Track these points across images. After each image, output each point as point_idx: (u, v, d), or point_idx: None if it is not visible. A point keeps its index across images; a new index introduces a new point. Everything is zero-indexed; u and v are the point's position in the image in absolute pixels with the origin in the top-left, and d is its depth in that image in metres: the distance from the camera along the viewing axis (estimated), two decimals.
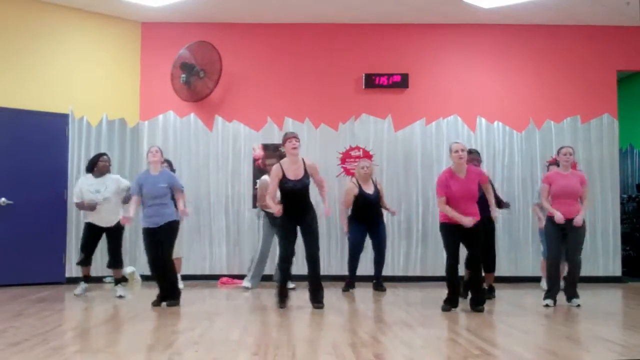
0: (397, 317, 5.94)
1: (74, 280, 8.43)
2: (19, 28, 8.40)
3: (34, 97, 8.43)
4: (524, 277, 8.99)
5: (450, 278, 6.34)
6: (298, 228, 6.49)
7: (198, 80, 9.03)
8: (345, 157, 9.32)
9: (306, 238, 6.45)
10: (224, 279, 8.90)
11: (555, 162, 8.70)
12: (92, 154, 8.75)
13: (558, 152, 6.89)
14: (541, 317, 6.19)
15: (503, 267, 9.22)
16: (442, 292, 7.77)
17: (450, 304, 6.32)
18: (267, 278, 8.24)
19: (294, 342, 4.69)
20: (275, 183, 6.35)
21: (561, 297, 6.74)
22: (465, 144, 9.18)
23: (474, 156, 7.17)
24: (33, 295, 7.33)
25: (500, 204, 7.24)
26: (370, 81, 9.33)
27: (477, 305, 6.28)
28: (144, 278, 8.53)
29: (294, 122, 9.38)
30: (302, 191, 6.35)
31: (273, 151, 9.12)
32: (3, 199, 8.14)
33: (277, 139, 9.28)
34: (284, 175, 6.31)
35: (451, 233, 6.27)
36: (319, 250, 6.51)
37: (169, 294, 6.61)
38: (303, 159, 6.46)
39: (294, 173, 6.33)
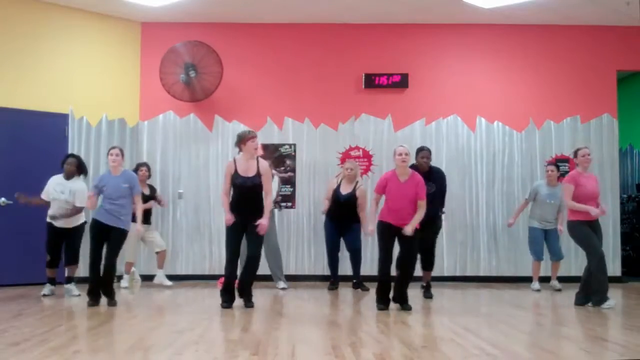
0: (397, 317, 5.94)
1: (73, 280, 8.42)
2: (20, 28, 8.40)
3: (34, 97, 8.43)
4: (523, 277, 8.98)
5: (382, 277, 6.32)
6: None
7: (190, 79, 8.96)
8: (345, 157, 9.31)
9: (249, 238, 6.32)
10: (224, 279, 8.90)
11: (554, 162, 8.73)
12: (91, 154, 8.83)
13: (575, 154, 6.84)
14: (541, 317, 6.20)
15: (503, 267, 9.26)
16: (441, 291, 7.80)
17: (383, 302, 6.33)
18: (267, 278, 8.23)
19: (294, 342, 4.69)
20: (227, 179, 6.32)
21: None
22: (465, 144, 9.31)
23: (424, 153, 7.25)
24: (33, 295, 7.32)
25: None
26: (370, 81, 9.33)
27: (404, 304, 6.29)
28: (144, 278, 8.52)
29: (294, 122, 9.38)
30: (250, 189, 6.26)
31: (273, 151, 9.13)
32: (3, 199, 8.14)
33: (277, 139, 9.31)
34: (235, 170, 6.28)
35: (386, 231, 6.28)
36: (259, 253, 6.39)
37: (105, 293, 6.59)
38: (259, 160, 6.40)
39: (244, 170, 6.28)
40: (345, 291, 8.05)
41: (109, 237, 6.56)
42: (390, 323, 5.61)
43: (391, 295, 6.38)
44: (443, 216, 7.58)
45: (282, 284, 8.12)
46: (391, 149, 9.20)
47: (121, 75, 9.22)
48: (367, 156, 9.30)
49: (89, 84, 8.94)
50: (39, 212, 8.29)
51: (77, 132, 8.82)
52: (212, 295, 7.75)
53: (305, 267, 9.19)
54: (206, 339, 4.82)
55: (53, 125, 8.57)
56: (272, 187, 6.47)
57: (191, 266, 9.20)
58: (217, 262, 9.23)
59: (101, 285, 6.58)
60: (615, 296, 7.60)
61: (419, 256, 6.86)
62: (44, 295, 7.26)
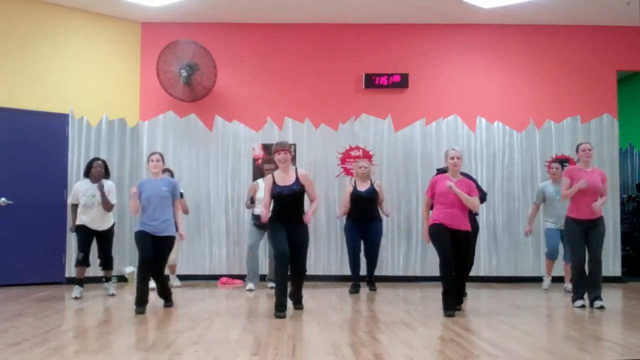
0: (397, 317, 5.94)
1: (73, 281, 8.41)
2: (19, 28, 8.40)
3: (34, 97, 8.43)
4: (523, 277, 9.00)
5: (446, 282, 6.20)
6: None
7: (185, 78, 8.93)
8: (345, 157, 9.33)
9: (293, 250, 6.20)
10: (224, 279, 8.91)
11: (558, 160, 8.72)
12: (92, 154, 8.78)
13: (577, 150, 6.81)
14: (541, 317, 6.20)
15: (503, 267, 9.25)
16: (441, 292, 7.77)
17: (451, 309, 6.13)
18: (262, 277, 8.23)
19: (294, 342, 4.69)
20: (267, 193, 6.27)
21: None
22: (465, 144, 9.30)
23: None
24: (33, 295, 7.33)
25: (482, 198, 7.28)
26: (370, 81, 9.33)
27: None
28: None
29: (294, 122, 9.38)
30: (290, 198, 6.18)
31: (273, 152, 9.11)
32: (3, 199, 8.14)
33: (277, 139, 9.27)
34: (274, 182, 6.26)
35: (441, 232, 6.18)
36: (305, 265, 6.35)
37: (162, 296, 6.57)
38: (296, 169, 6.38)
39: (282, 180, 6.24)
40: (346, 291, 8.04)
41: (156, 245, 6.36)
42: (390, 323, 5.61)
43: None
44: (478, 218, 7.52)
45: (250, 285, 8.18)
46: (391, 149, 9.35)
47: (121, 75, 9.22)
48: (367, 156, 9.28)
49: (89, 84, 8.94)
50: (38, 212, 8.32)
51: (77, 132, 8.82)
52: (212, 295, 7.76)
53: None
54: (206, 339, 4.82)
55: (53, 125, 8.58)
56: (316, 194, 6.43)
57: (191, 266, 9.20)
58: (217, 262, 9.24)
59: (159, 291, 6.57)
60: (615, 296, 7.62)
61: None
62: (75, 298, 7.14)
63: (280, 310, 5.94)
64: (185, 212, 8.23)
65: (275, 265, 6.28)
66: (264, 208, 6.32)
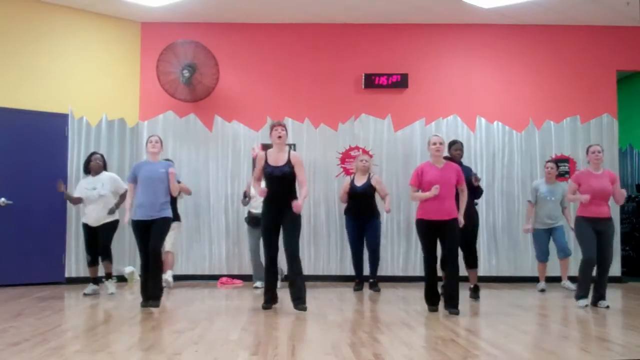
0: (397, 317, 5.94)
1: (73, 280, 8.47)
2: (19, 28, 8.40)
3: (34, 97, 8.43)
4: (523, 277, 9.00)
5: (428, 278, 6.25)
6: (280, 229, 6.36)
7: (186, 79, 8.93)
8: (345, 157, 9.33)
9: (285, 232, 6.27)
10: (224, 279, 8.91)
11: (553, 160, 8.72)
12: None
13: (587, 152, 6.78)
14: (541, 317, 6.20)
15: (503, 267, 9.25)
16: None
17: (432, 303, 6.27)
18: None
19: (294, 342, 4.69)
20: (258, 168, 6.41)
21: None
22: (465, 144, 9.27)
23: (458, 146, 7.28)
24: (33, 295, 7.33)
25: (476, 193, 7.28)
26: (370, 81, 9.33)
27: (451, 308, 6.10)
28: None
29: (294, 122, 9.38)
30: (280, 179, 6.22)
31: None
32: (3, 199, 8.14)
33: None
34: (266, 161, 6.33)
35: (426, 229, 6.17)
36: (298, 247, 6.28)
37: (151, 293, 6.33)
38: (290, 150, 6.44)
39: (274, 159, 6.31)
40: (346, 290, 8.05)
41: (151, 227, 6.35)
42: (390, 323, 5.61)
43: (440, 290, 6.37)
44: (478, 208, 7.53)
45: (257, 283, 8.20)
46: (391, 149, 9.35)
47: (121, 75, 9.22)
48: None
49: (89, 84, 8.94)
50: (38, 212, 8.32)
51: (77, 132, 8.82)
52: (212, 295, 7.76)
53: (305, 267, 9.09)
54: (206, 339, 4.82)
55: (53, 125, 8.57)
56: (305, 178, 6.42)
57: (191, 266, 9.20)
58: (217, 262, 9.24)
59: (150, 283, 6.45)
60: (615, 296, 7.62)
61: (461, 253, 6.64)
62: (85, 294, 7.37)
63: (265, 301, 6.30)
64: (187, 193, 8.27)
65: (265, 265, 6.41)
66: (256, 182, 6.45)
